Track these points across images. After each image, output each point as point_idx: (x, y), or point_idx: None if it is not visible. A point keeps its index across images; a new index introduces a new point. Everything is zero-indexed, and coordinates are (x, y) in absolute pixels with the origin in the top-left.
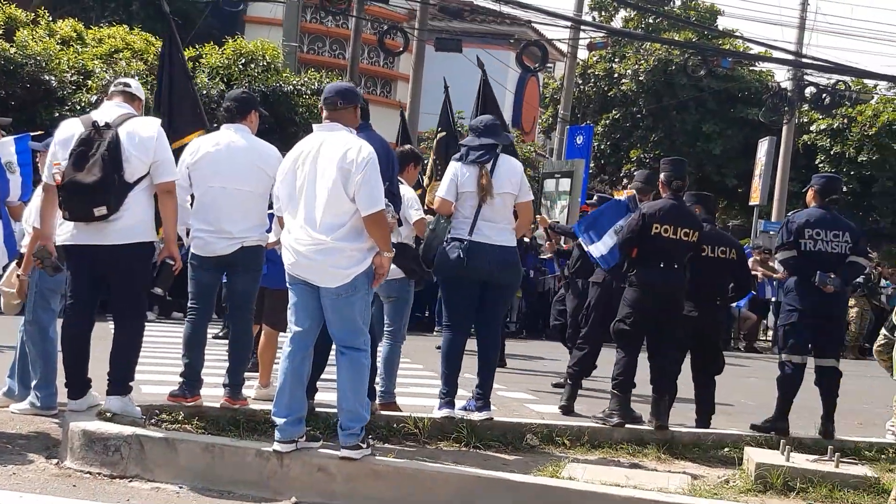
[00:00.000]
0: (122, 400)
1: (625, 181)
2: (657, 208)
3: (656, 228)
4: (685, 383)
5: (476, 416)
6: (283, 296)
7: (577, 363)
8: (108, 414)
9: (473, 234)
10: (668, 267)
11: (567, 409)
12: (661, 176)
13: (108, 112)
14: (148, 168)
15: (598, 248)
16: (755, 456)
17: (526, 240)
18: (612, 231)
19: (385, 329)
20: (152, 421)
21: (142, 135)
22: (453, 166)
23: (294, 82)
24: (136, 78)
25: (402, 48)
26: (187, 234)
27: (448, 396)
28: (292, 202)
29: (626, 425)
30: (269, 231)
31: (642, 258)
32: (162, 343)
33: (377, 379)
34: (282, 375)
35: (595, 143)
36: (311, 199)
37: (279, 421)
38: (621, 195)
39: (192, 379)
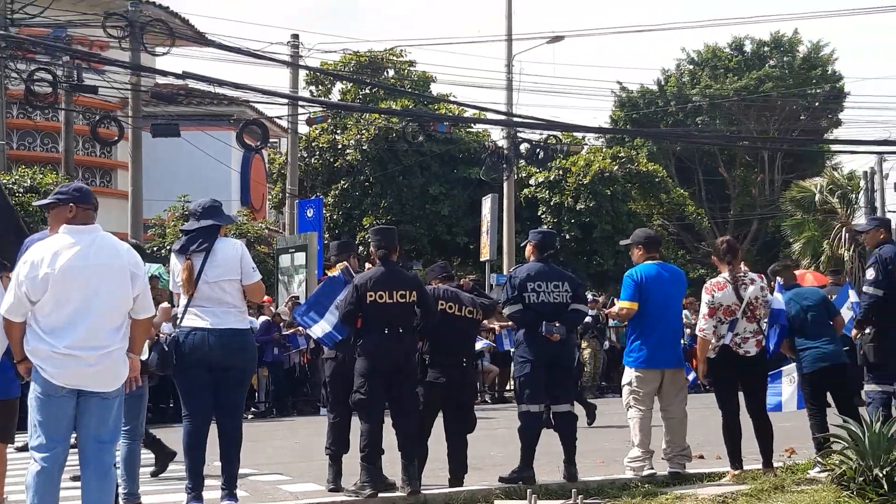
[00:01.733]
0: None
1: (360, 249)
2: (367, 277)
3: (371, 296)
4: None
5: None
6: (5, 406)
7: (332, 443)
8: None
9: (187, 321)
10: (393, 332)
11: (335, 490)
12: (371, 245)
13: None
14: None
15: (322, 327)
16: None
17: (264, 318)
18: (333, 307)
19: (122, 429)
20: None
21: None
22: (172, 259)
23: (5, 181)
24: None
25: (118, 137)
26: None
27: (195, 490)
28: (65, 308)
29: (380, 494)
30: None
31: (366, 327)
32: None
33: (119, 481)
34: (39, 496)
35: (327, 214)
36: (101, 304)
37: None
38: (334, 271)
39: None
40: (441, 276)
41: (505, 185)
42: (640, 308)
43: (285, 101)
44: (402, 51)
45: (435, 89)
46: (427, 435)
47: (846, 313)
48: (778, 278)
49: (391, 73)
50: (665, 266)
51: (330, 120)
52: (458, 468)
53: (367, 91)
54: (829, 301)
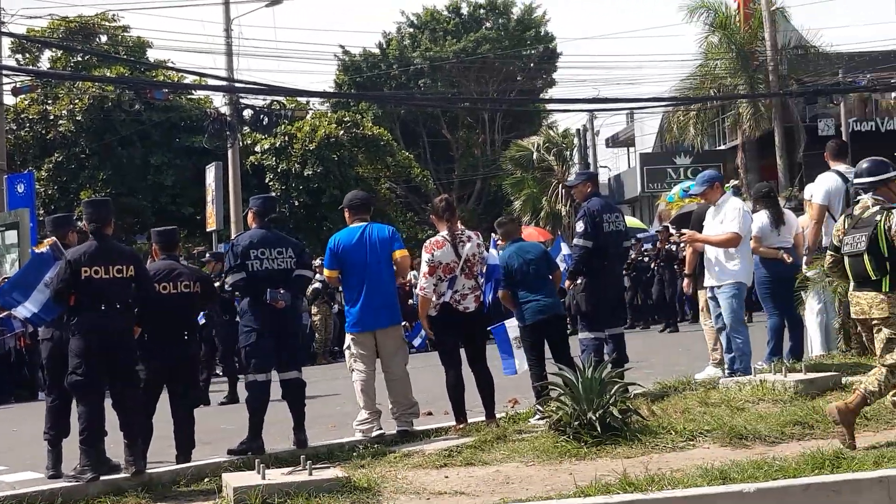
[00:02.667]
0: None
1: (78, 224)
2: (81, 252)
3: (86, 272)
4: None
5: None
6: None
7: (51, 427)
8: None
9: None
10: (110, 308)
11: (56, 476)
12: (84, 219)
13: None
14: None
15: (28, 308)
16: (232, 481)
17: None
18: (42, 285)
19: None
20: None
21: None
22: None
23: None
24: None
25: None
26: None
27: None
28: None
29: (102, 477)
30: None
31: (81, 304)
32: None
33: None
34: None
35: (40, 189)
36: None
37: None
38: (42, 247)
39: None
40: (161, 243)
41: (230, 152)
42: (344, 273)
43: None
44: (114, 15)
45: (152, 55)
46: (151, 412)
47: (559, 265)
48: (493, 235)
49: (104, 39)
50: (372, 227)
51: (39, 90)
52: (185, 444)
53: (79, 58)
54: (549, 255)
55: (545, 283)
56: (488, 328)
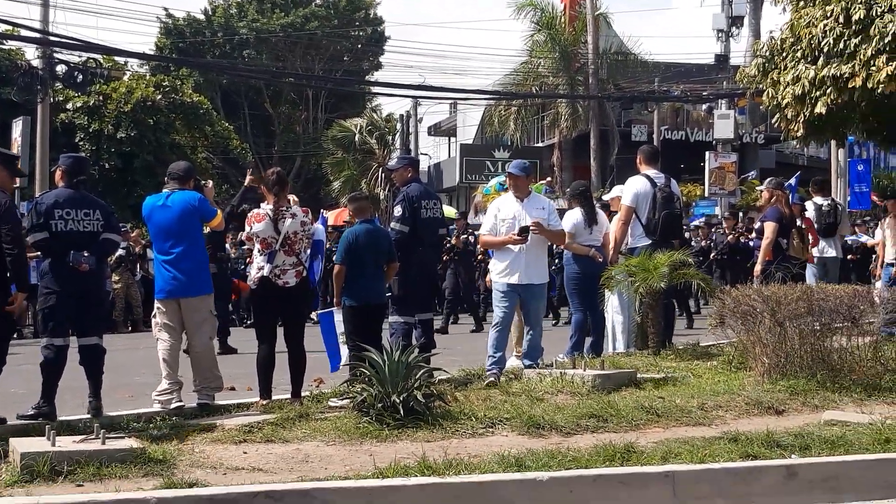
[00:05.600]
0: None
1: None
2: None
3: None
4: None
5: None
6: None
7: None
8: None
9: None
10: None
11: None
12: None
13: None
14: None
15: None
16: (20, 446)
17: None
18: None
19: None
20: None
21: None
22: None
23: None
24: None
25: None
26: None
27: None
28: None
29: None
30: None
31: None
32: None
33: None
34: None
35: None
36: None
37: None
38: None
39: None
40: None
41: (39, 108)
42: (152, 239)
43: None
44: None
45: None
46: None
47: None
48: (322, 211)
49: None
50: (177, 193)
51: None
52: None
53: None
54: (393, 247)
55: (381, 272)
56: (318, 312)
